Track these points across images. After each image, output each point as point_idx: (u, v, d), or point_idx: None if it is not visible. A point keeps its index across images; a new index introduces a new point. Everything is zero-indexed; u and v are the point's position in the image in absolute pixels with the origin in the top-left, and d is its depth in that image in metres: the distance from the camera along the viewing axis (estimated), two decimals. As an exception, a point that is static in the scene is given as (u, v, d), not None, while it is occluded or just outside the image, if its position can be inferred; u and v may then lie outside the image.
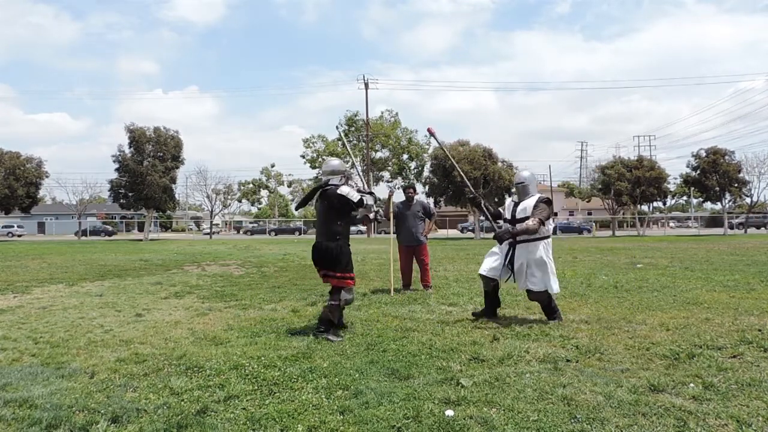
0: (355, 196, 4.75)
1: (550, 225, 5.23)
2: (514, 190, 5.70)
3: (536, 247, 5.15)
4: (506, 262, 5.31)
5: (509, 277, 5.37)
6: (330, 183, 4.94)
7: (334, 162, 5.12)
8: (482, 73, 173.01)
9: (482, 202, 5.58)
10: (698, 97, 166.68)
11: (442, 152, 36.58)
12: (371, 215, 5.01)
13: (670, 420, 2.75)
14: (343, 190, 4.78)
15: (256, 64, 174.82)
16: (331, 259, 4.75)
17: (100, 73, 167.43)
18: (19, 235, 49.22)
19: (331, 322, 4.79)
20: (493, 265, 5.37)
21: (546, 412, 2.86)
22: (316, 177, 61.68)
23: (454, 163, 6.12)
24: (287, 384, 3.40)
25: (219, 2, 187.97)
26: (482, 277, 5.46)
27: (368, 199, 4.84)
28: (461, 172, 6.26)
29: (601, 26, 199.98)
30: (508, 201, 5.56)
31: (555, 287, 5.19)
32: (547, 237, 5.24)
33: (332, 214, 4.82)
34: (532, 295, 5.24)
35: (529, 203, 5.22)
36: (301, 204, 5.36)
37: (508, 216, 5.38)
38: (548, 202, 5.23)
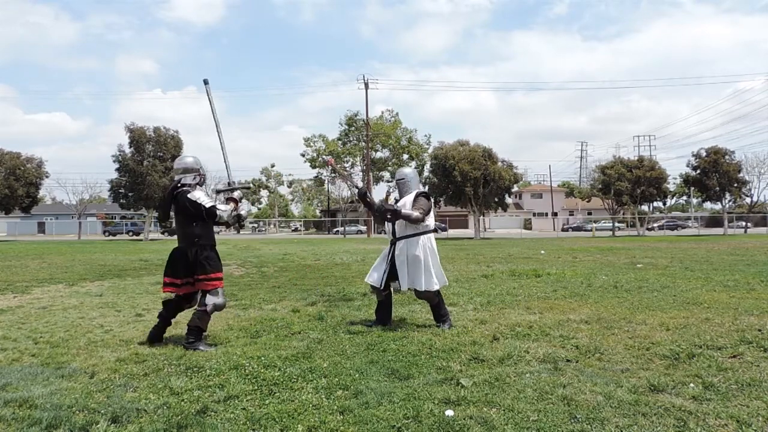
0: (206, 202, 4.37)
1: (430, 220, 5.10)
2: (394, 185, 5.55)
3: (415, 243, 4.99)
4: (388, 264, 5.12)
5: (395, 280, 5.14)
6: (182, 183, 4.54)
7: (188, 159, 4.65)
8: (481, 73, 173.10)
9: (367, 193, 5.31)
10: (698, 97, 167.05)
11: (442, 152, 36.59)
12: (227, 219, 4.45)
13: (670, 420, 2.75)
14: (194, 194, 4.41)
15: (255, 65, 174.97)
16: (193, 264, 4.42)
17: (100, 73, 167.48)
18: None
19: (200, 330, 4.40)
20: (380, 275, 5.14)
21: (546, 412, 2.86)
22: (316, 176, 61.75)
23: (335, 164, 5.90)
24: (287, 384, 3.39)
25: (218, 3, 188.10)
26: (372, 287, 5.26)
27: (222, 209, 4.41)
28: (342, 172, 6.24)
29: (599, 26, 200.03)
30: (392, 199, 5.40)
31: (434, 285, 4.97)
32: (427, 233, 5.09)
33: (187, 216, 4.45)
34: (417, 293, 5.08)
35: (408, 198, 5.12)
36: (163, 216, 4.83)
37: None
38: (427, 196, 5.15)
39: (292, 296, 7.45)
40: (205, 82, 5.00)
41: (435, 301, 5.10)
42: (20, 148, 43.64)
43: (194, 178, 4.56)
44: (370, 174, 50.04)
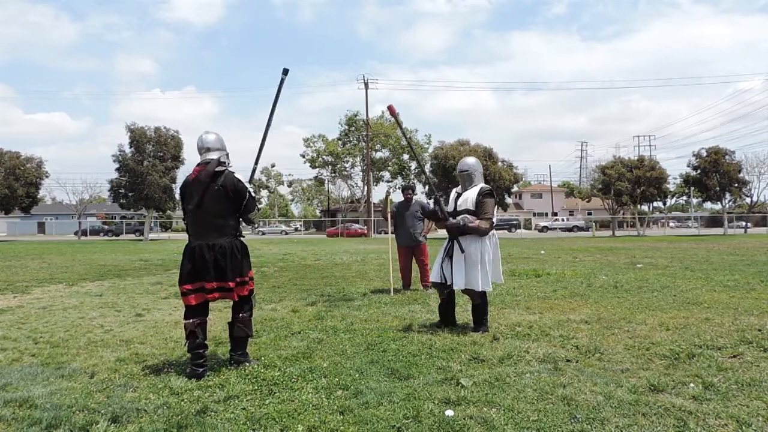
0: (251, 191, 3.84)
1: (494, 217, 4.83)
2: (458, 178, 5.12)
3: (475, 240, 4.74)
4: (444, 258, 4.87)
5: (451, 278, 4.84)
6: (221, 161, 3.77)
7: (212, 136, 3.91)
8: (480, 73, 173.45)
9: (441, 200, 5.00)
10: (697, 98, 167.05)
11: (442, 152, 36.56)
12: (254, 219, 3.99)
13: (670, 420, 2.75)
14: (240, 177, 3.79)
15: (254, 65, 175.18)
16: (242, 263, 3.77)
17: (99, 73, 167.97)
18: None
19: (248, 338, 3.92)
20: (439, 271, 4.91)
21: (546, 412, 2.86)
22: (316, 176, 61.72)
23: (413, 149, 5.44)
24: (287, 384, 3.39)
25: (218, 3, 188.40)
26: (433, 284, 5.02)
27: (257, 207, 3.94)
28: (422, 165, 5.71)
29: (597, 27, 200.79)
30: (453, 192, 5.11)
31: (484, 285, 4.72)
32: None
33: (228, 204, 3.72)
34: (465, 290, 4.82)
35: (470, 194, 4.81)
36: (200, 201, 3.73)
37: (451, 207, 4.94)
38: (491, 194, 4.83)
39: (292, 296, 7.44)
40: (285, 72, 4.39)
41: (478, 301, 4.86)
42: (20, 148, 43.62)
43: (226, 157, 3.87)
44: (371, 174, 50.03)
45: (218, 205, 3.71)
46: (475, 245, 4.73)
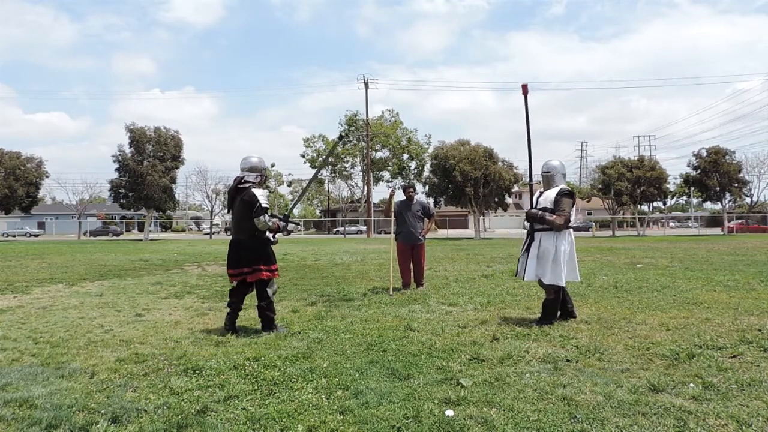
0: (262, 202, 4.76)
1: (572, 216, 5.09)
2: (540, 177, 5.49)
3: (549, 236, 5.05)
4: (523, 254, 5.20)
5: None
6: (245, 180, 4.94)
7: (254, 159, 5.06)
8: (479, 73, 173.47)
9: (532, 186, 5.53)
10: (696, 98, 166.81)
11: (442, 152, 36.51)
12: (261, 228, 4.82)
13: (670, 420, 2.75)
14: (257, 191, 4.82)
15: (253, 65, 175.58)
16: (256, 255, 4.84)
17: (98, 73, 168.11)
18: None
19: (273, 318, 4.99)
20: (522, 268, 5.24)
21: (546, 412, 2.86)
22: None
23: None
24: (287, 384, 3.40)
25: (216, 3, 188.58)
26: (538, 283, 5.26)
27: (267, 219, 4.78)
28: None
29: (596, 27, 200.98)
30: (538, 191, 5.45)
31: (554, 278, 4.98)
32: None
33: (247, 211, 4.80)
34: (540, 284, 5.16)
35: (550, 194, 5.12)
36: (229, 207, 5.15)
37: (534, 205, 5.27)
38: (570, 194, 5.11)
39: (292, 296, 7.44)
40: (341, 137, 5.41)
41: (551, 296, 5.09)
42: (20, 147, 43.56)
43: (256, 177, 5.00)
44: (371, 174, 50.03)
45: (240, 212, 4.88)
46: (550, 240, 5.03)
